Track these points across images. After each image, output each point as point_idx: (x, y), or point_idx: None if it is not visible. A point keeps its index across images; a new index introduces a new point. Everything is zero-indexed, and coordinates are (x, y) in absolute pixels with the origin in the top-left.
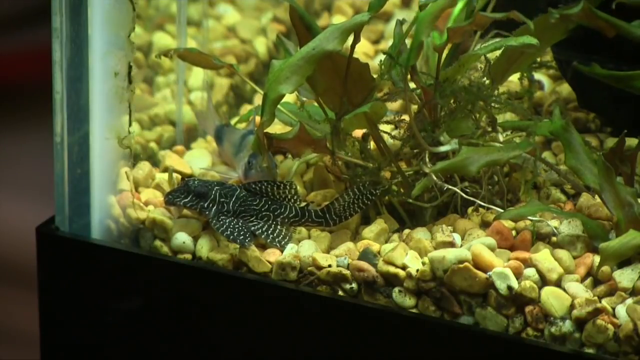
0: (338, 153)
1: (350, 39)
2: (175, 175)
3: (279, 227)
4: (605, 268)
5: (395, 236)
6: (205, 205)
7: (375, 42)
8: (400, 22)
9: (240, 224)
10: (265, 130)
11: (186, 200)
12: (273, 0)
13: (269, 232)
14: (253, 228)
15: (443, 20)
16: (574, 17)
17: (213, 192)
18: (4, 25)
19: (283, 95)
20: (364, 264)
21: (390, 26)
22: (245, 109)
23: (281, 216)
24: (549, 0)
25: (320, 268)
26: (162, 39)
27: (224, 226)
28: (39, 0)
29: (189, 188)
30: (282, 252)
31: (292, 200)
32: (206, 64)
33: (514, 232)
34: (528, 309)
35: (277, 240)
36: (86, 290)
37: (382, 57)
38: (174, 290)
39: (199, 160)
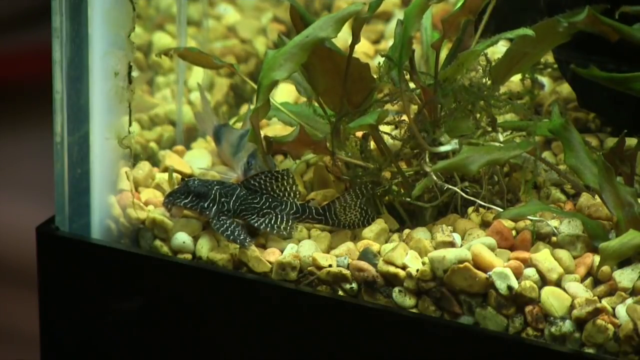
0: (338, 153)
1: (350, 39)
2: (175, 175)
3: (280, 218)
4: (605, 268)
5: (395, 236)
6: (206, 205)
7: (375, 42)
8: (401, 22)
9: (240, 224)
10: (265, 135)
11: (186, 200)
12: (273, 0)
13: (272, 223)
14: (256, 224)
15: None
16: (580, 24)
17: (213, 192)
18: (4, 25)
19: (277, 82)
20: (364, 264)
21: (390, 26)
22: (245, 108)
23: (282, 212)
24: (547, 0)
25: (320, 268)
26: (162, 39)
27: (224, 226)
28: (39, 0)
29: (189, 188)
30: (287, 239)
31: (292, 194)
32: (206, 63)
33: (514, 232)
34: (528, 308)
35: (282, 228)
36: (86, 290)
37: (382, 56)
38: (174, 290)
39: (199, 160)
